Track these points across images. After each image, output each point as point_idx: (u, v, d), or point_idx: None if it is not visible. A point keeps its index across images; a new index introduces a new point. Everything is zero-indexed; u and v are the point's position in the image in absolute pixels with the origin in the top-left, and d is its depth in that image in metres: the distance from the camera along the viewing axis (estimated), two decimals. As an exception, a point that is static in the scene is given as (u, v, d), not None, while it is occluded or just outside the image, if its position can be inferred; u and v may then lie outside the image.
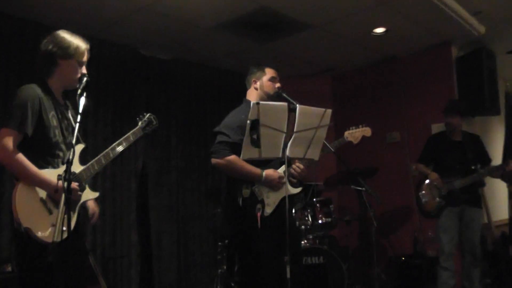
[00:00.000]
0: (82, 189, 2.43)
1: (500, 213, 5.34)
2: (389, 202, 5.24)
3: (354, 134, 3.27)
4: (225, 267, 4.66)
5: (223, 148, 3.05)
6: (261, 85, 3.26)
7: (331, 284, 4.17)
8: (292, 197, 3.11)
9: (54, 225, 2.24)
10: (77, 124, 2.20)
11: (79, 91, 2.34)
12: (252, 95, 3.29)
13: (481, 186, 4.37)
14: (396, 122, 5.67)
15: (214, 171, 5.50)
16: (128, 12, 4.15)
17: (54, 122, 2.38)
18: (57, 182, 2.14)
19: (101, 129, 4.62)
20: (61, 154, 2.40)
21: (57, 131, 2.39)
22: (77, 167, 2.42)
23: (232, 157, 3.01)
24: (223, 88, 5.80)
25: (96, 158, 2.48)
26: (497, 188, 5.27)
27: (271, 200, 3.02)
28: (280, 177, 3.04)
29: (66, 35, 2.42)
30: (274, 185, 3.02)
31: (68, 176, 2.06)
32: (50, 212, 2.28)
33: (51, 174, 2.28)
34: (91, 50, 2.57)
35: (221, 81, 5.83)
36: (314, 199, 4.70)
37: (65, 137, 2.45)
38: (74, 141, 2.13)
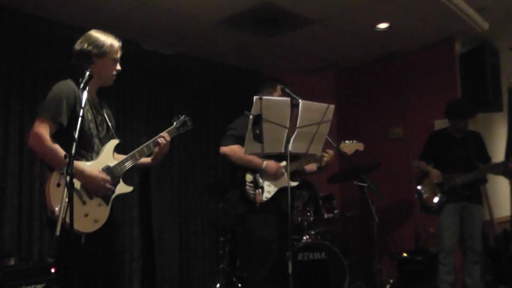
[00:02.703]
0: (116, 182, 2.48)
1: (502, 209, 5.33)
2: (391, 198, 5.24)
3: (348, 147, 3.54)
4: (226, 262, 4.67)
5: (229, 139, 3.45)
6: None
7: (332, 280, 4.17)
8: (291, 191, 3.24)
9: (87, 215, 2.29)
10: (80, 118, 2.21)
11: (81, 85, 2.38)
12: None
13: (483, 183, 4.36)
14: (399, 118, 5.65)
15: (217, 166, 5.52)
16: (130, 7, 4.14)
17: (89, 116, 2.45)
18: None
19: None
20: (95, 147, 2.46)
21: (92, 125, 2.45)
22: (111, 161, 2.47)
23: (236, 146, 3.37)
24: (226, 83, 5.78)
25: (131, 153, 2.56)
26: (499, 185, 5.26)
27: (271, 189, 3.38)
28: (279, 167, 3.35)
29: (99, 35, 2.54)
30: (273, 174, 3.35)
31: (71, 170, 2.06)
32: (84, 203, 2.31)
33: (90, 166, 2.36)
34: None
35: (224, 76, 5.81)
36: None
37: (99, 132, 2.51)
38: (76, 135, 2.12)
